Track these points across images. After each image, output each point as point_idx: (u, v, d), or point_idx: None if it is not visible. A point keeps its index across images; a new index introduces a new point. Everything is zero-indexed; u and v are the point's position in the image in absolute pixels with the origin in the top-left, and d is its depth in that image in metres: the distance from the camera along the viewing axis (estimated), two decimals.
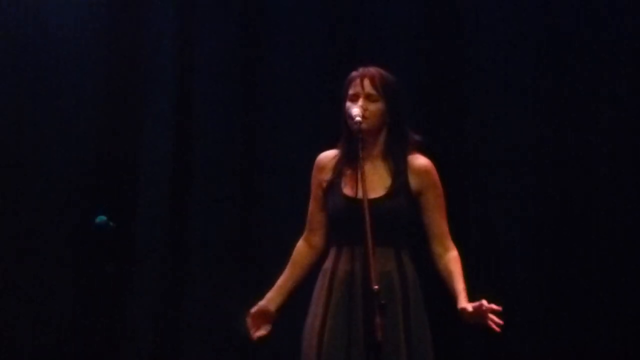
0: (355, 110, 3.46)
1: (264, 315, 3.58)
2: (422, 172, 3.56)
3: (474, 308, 3.37)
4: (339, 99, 3.59)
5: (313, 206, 3.65)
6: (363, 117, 3.45)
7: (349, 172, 3.54)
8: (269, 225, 4.76)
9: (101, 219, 4.29)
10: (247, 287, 4.61)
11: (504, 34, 4.91)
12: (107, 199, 4.75)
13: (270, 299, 3.60)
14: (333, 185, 3.56)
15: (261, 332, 3.57)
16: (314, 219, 3.64)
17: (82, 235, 4.70)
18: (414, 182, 3.54)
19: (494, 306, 3.37)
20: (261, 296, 3.61)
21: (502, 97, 4.90)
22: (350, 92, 3.55)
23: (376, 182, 3.46)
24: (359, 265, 3.42)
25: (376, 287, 3.06)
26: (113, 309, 4.71)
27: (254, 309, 3.59)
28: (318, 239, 3.63)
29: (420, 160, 3.58)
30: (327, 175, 3.59)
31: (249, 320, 3.58)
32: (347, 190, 3.51)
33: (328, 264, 3.54)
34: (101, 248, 4.59)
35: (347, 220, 3.45)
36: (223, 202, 4.87)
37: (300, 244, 3.67)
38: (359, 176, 3.30)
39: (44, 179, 4.78)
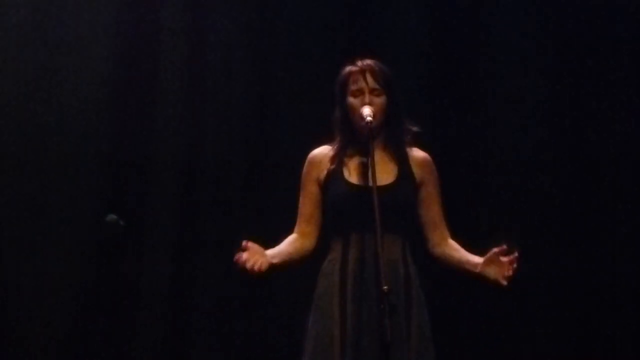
0: (367, 110, 3.44)
1: (259, 254, 3.38)
2: (423, 164, 3.58)
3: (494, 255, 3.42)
4: (332, 92, 3.58)
5: (307, 204, 3.56)
6: (373, 115, 3.44)
7: (352, 162, 3.53)
8: (276, 226, 4.71)
9: (111, 217, 4.32)
10: (254, 287, 4.63)
11: (512, 32, 4.90)
12: (117, 197, 4.72)
13: (269, 253, 3.43)
14: (334, 175, 3.52)
15: (260, 264, 3.35)
16: (308, 218, 3.55)
17: (92, 233, 4.68)
18: (417, 172, 3.55)
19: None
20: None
21: (509, 97, 4.89)
22: (353, 87, 3.51)
23: (382, 170, 3.42)
24: (369, 252, 3.39)
25: (385, 287, 3.08)
26: (121, 308, 4.67)
27: (249, 243, 3.37)
28: (310, 238, 3.55)
29: (420, 153, 3.60)
30: (324, 169, 3.54)
31: (244, 255, 3.33)
32: (353, 179, 3.49)
33: (335, 254, 3.48)
34: (111, 246, 4.60)
35: (354, 208, 3.42)
36: (232, 201, 4.81)
37: (294, 235, 3.56)
38: (370, 165, 3.30)
39: (54, 177, 4.73)
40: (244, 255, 3.36)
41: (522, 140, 4.88)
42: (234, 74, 4.93)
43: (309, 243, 3.55)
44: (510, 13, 4.94)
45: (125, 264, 4.67)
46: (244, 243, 3.38)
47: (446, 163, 4.72)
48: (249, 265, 3.35)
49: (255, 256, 3.37)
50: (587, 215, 4.82)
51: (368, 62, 3.55)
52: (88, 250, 4.70)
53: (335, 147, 3.57)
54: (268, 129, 4.93)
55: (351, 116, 3.52)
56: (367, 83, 3.50)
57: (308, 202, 3.56)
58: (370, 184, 3.30)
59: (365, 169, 3.44)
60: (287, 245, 3.53)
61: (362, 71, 3.52)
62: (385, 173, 3.45)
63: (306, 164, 3.60)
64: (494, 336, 4.75)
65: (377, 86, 3.50)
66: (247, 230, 4.73)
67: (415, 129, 3.57)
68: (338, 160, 3.53)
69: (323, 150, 3.60)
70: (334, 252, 3.49)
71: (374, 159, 3.34)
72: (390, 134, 3.54)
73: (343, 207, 3.48)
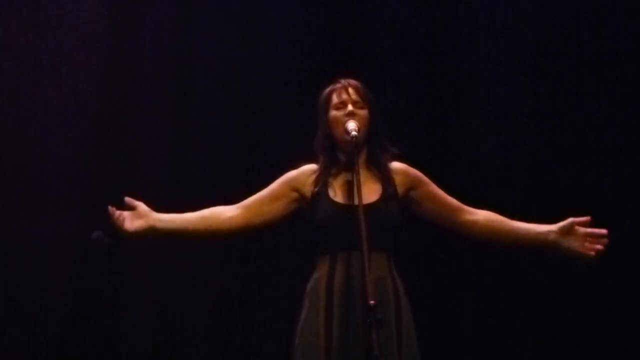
0: (352, 124, 3.51)
1: (139, 214, 3.46)
2: (406, 173, 3.64)
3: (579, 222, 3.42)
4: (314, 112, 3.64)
5: (264, 195, 3.60)
6: (357, 129, 3.50)
7: (336, 181, 3.58)
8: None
9: (97, 233, 4.30)
10: (246, 294, 4.59)
11: (501, 36, 4.97)
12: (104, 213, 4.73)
13: (158, 216, 3.49)
14: (319, 196, 3.56)
15: (133, 222, 3.43)
16: (255, 204, 3.58)
17: (79, 249, 4.70)
18: (400, 185, 3.61)
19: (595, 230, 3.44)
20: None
21: (499, 100, 4.95)
22: (336, 100, 3.60)
23: (367, 188, 3.49)
24: (356, 270, 3.43)
25: (372, 302, 3.07)
26: (108, 325, 4.70)
27: (133, 202, 3.47)
28: (241, 217, 3.55)
29: (398, 165, 3.66)
30: (309, 188, 3.60)
31: (123, 213, 3.45)
32: (339, 199, 3.54)
33: (322, 272, 3.52)
34: (97, 263, 4.60)
35: (341, 228, 3.47)
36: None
37: (221, 207, 3.58)
38: (355, 183, 3.33)
39: (50, 174, 4.78)
40: (122, 214, 3.41)
41: (516, 143, 4.94)
42: (225, 73, 4.96)
43: (235, 221, 3.54)
44: (504, 14, 5.02)
45: (116, 266, 4.69)
46: (126, 200, 3.41)
47: (440, 167, 4.77)
48: (119, 221, 3.40)
49: (136, 217, 3.42)
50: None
51: (349, 80, 3.65)
52: (75, 267, 4.71)
53: (318, 168, 3.62)
54: (262, 131, 4.97)
55: (334, 129, 3.58)
56: (349, 96, 3.60)
57: (267, 195, 3.59)
58: (356, 202, 3.33)
59: (350, 188, 3.51)
60: (201, 217, 3.52)
61: (345, 87, 3.62)
62: (369, 191, 3.50)
63: (295, 170, 3.65)
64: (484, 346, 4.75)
65: (359, 99, 3.59)
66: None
67: (394, 149, 3.65)
68: (322, 181, 3.58)
69: (312, 168, 3.64)
70: (321, 270, 3.53)
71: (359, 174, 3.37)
72: (372, 152, 3.62)
73: (330, 226, 3.52)
